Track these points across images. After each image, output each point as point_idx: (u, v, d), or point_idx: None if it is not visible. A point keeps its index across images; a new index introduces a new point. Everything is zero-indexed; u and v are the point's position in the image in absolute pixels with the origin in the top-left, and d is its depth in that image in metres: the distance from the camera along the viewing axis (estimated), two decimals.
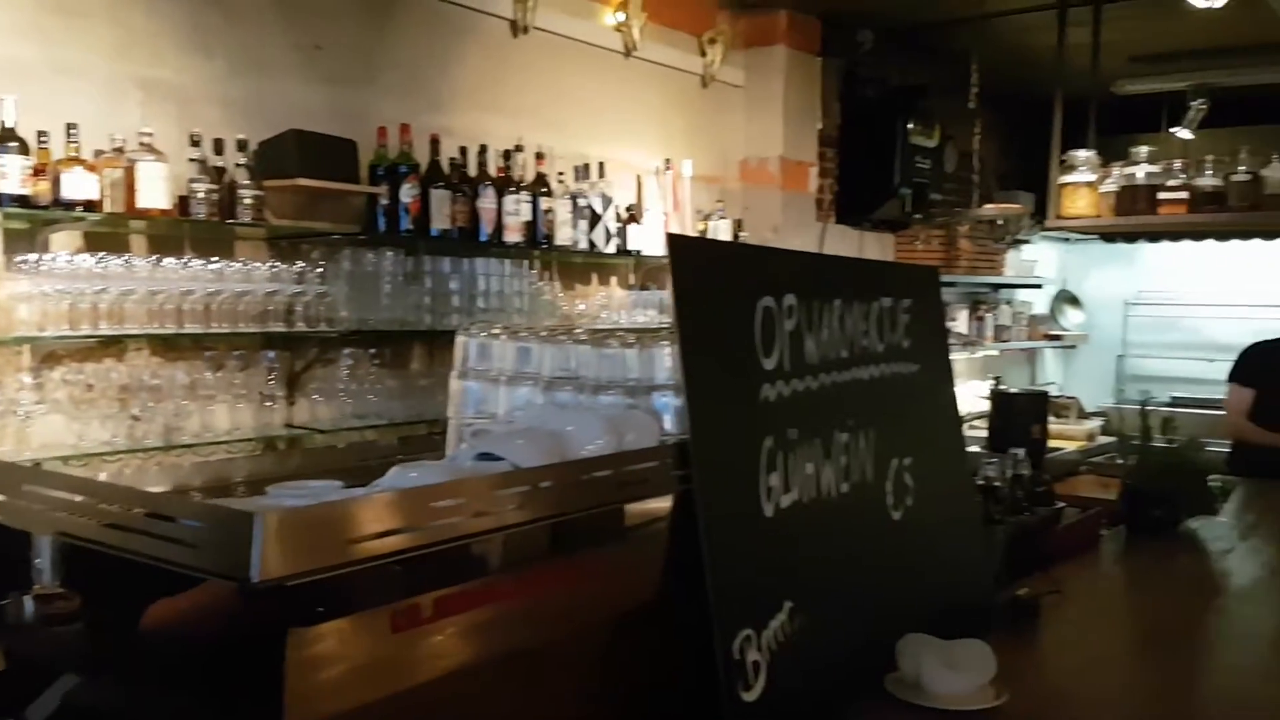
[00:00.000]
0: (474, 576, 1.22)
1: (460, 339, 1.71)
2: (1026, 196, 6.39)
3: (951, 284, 6.51)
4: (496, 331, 1.66)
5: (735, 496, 1.56)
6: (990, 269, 6.90)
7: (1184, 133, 5.92)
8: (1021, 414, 4.59)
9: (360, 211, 3.37)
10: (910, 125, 5.21)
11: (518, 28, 3.90)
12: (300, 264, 3.18)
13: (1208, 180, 4.45)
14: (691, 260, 1.59)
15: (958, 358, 6.70)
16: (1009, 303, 7.06)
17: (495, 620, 1.22)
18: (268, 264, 3.11)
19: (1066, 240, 7.36)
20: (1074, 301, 7.97)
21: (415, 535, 1.05)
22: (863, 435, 1.91)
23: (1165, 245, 6.52)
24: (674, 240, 1.54)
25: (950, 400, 2.31)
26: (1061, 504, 2.90)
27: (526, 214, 3.68)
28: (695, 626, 1.44)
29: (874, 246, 5.68)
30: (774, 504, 1.63)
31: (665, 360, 1.55)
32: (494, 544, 1.23)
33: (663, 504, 1.52)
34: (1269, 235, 5.79)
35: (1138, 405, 3.97)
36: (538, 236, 3.73)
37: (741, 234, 4.59)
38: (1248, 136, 5.09)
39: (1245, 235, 5.86)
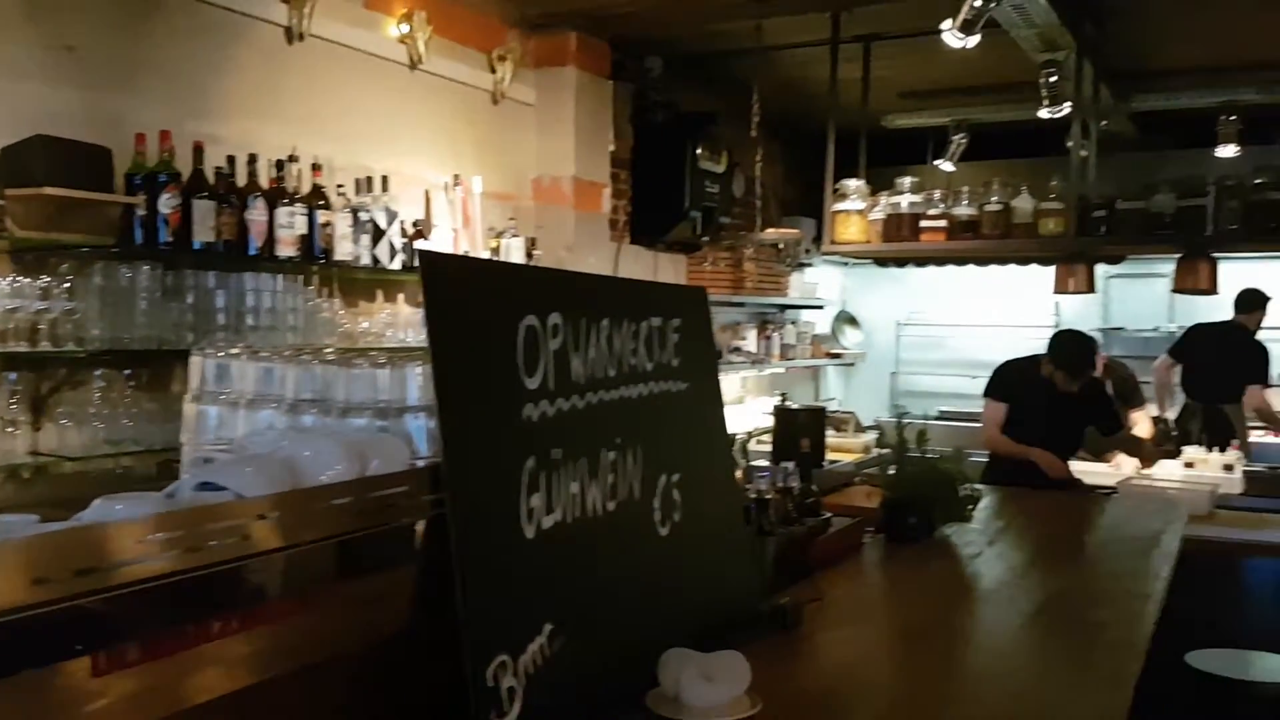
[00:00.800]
0: (196, 612, 1.14)
1: (195, 359, 1.61)
2: (809, 222, 6.71)
3: (741, 304, 6.76)
4: (236, 351, 1.57)
5: (492, 519, 1.54)
6: (776, 290, 7.21)
7: (946, 165, 6.38)
8: (802, 428, 4.82)
9: (116, 223, 3.14)
10: (699, 151, 5.37)
11: (293, 34, 3.76)
12: (46, 279, 2.94)
13: (964, 210, 4.80)
14: (448, 278, 1.56)
15: (748, 375, 6.95)
16: (794, 322, 7.38)
17: (216, 658, 1.15)
18: (9, 278, 2.86)
19: (846, 264, 7.80)
20: (853, 321, 8.43)
21: (111, 574, 0.97)
22: (631, 453, 1.93)
23: (932, 269, 7.00)
24: (427, 257, 1.51)
25: (719, 417, 2.37)
26: (829, 514, 3.04)
27: (301, 227, 3.53)
28: (451, 654, 1.41)
29: (668, 267, 5.81)
30: (535, 525, 1.62)
31: (419, 380, 1.52)
32: (220, 578, 1.15)
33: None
34: (1022, 261, 6.33)
35: (904, 419, 4.23)
36: (315, 250, 3.59)
37: (535, 252, 4.58)
38: (1001, 169, 5.55)
39: (1001, 261, 6.38)
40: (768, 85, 5.49)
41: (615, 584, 1.82)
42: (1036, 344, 5.17)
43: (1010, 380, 4.70)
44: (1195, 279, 4.41)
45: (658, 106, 5.35)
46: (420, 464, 1.48)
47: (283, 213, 3.45)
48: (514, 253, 4.36)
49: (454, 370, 1.50)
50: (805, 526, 2.86)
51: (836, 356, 8.01)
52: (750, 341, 6.67)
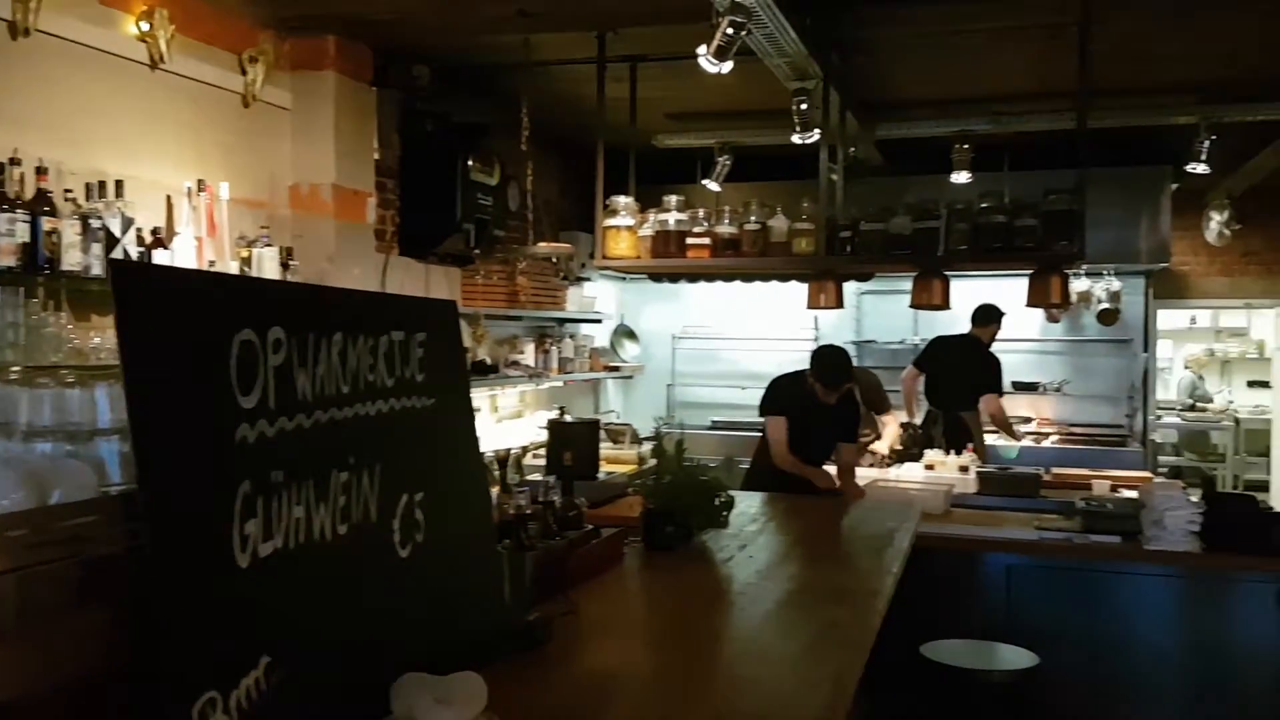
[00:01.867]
0: None
1: None
2: (586, 237, 6.79)
3: (518, 318, 6.74)
4: None
5: (200, 549, 1.45)
6: (554, 304, 7.25)
7: (713, 185, 6.61)
8: (576, 441, 4.84)
9: None
10: (471, 162, 5.31)
11: (17, 29, 3.44)
12: None
13: (726, 228, 4.98)
14: (146, 291, 1.46)
15: (526, 389, 6.93)
16: (573, 336, 7.44)
17: None
18: None
19: (624, 279, 7.94)
20: (631, 335, 8.59)
21: None
22: (367, 473, 1.87)
23: (704, 285, 7.24)
24: (118, 267, 1.40)
25: (469, 433, 2.34)
26: (592, 527, 3.07)
27: (23, 234, 3.23)
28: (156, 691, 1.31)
29: (441, 280, 5.71)
30: (250, 553, 1.54)
31: (110, 401, 1.41)
32: None
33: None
34: (781, 278, 6.65)
35: (663, 430, 4.34)
36: (38, 260, 3.29)
37: (292, 263, 4.38)
38: (763, 190, 5.80)
39: (763, 278, 6.67)
40: (540, 99, 5.52)
41: (346, 611, 1.75)
42: (799, 356, 5.65)
43: (783, 395, 4.90)
44: (930, 295, 4.76)
45: (427, 116, 5.25)
46: (113, 491, 1.37)
47: (1, 220, 3.16)
48: (267, 263, 4.16)
49: (152, 390, 1.40)
50: (565, 540, 2.88)
51: (615, 370, 8.14)
52: (528, 355, 6.66)
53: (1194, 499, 4.13)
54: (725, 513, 3.37)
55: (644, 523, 3.20)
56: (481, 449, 3.61)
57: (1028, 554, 4.22)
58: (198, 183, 4.01)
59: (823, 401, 4.71)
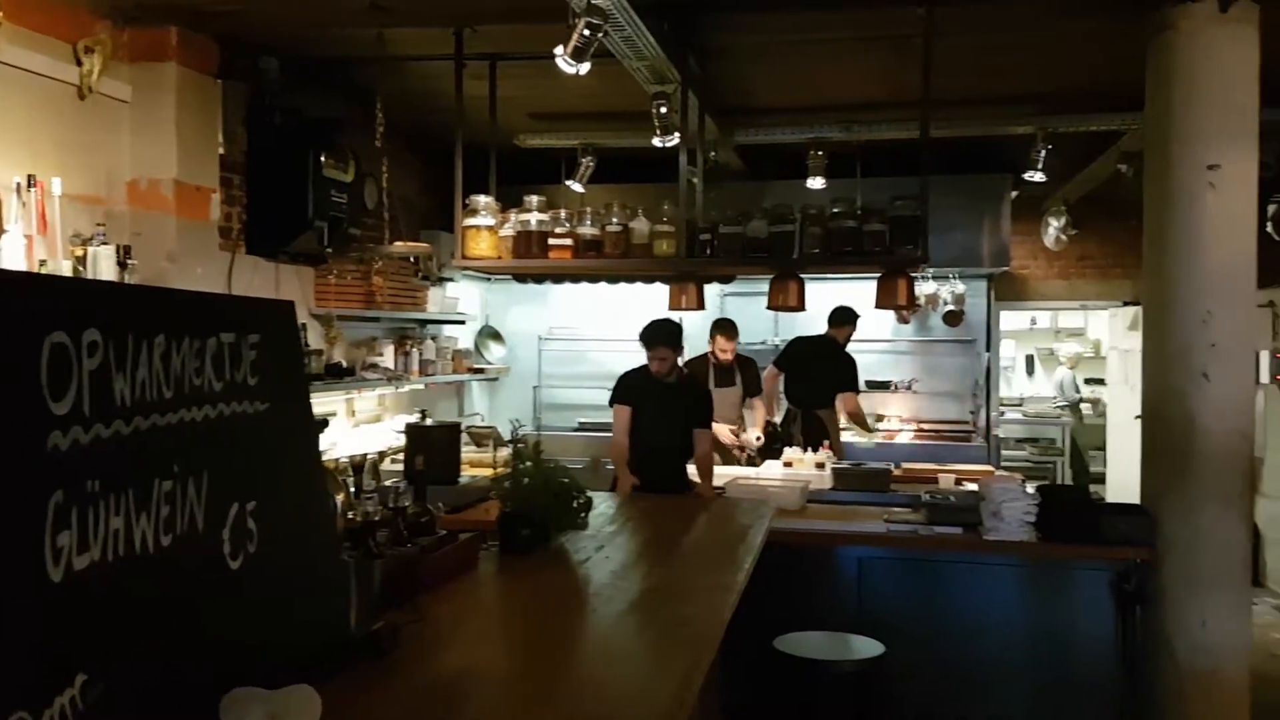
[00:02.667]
0: None
1: None
2: (449, 236, 6.69)
3: (375, 319, 6.59)
4: None
5: (7, 563, 1.36)
6: (414, 305, 7.12)
7: (576, 186, 6.62)
8: (436, 446, 4.77)
9: None
10: (323, 158, 5.15)
11: None
12: None
13: (588, 229, 4.99)
14: None
15: (385, 392, 6.78)
16: (434, 338, 7.32)
17: None
18: None
19: (488, 280, 7.87)
20: (496, 336, 8.52)
21: None
22: (193, 482, 1.79)
23: (569, 286, 7.24)
24: None
25: (308, 437, 2.27)
26: (445, 532, 3.02)
27: None
28: None
29: (291, 280, 5.53)
30: (64, 567, 1.45)
31: None
32: None
33: None
34: (646, 279, 6.70)
35: (519, 432, 4.32)
36: None
37: (130, 261, 4.17)
38: (626, 192, 5.84)
39: (628, 279, 6.71)
40: (398, 95, 5.41)
41: (170, 624, 1.67)
42: None
43: (629, 385, 5.17)
44: (786, 297, 4.88)
45: (276, 110, 5.08)
46: None
47: None
48: (103, 262, 3.95)
49: None
50: (417, 547, 2.82)
51: (479, 372, 8.05)
52: (387, 358, 6.53)
53: (1030, 491, 4.35)
54: (584, 514, 3.37)
55: (500, 526, 3.17)
56: (338, 454, 3.55)
57: (878, 546, 4.37)
58: (28, 178, 3.78)
59: (664, 383, 4.99)
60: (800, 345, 7.06)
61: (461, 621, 2.53)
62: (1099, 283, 8.75)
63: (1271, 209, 8.34)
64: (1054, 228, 7.90)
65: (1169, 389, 4.10)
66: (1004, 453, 9.95)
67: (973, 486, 4.91)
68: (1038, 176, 6.31)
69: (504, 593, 2.89)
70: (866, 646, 3.74)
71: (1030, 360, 12.56)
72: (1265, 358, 7.54)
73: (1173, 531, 4.05)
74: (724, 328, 6.52)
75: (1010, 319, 10.26)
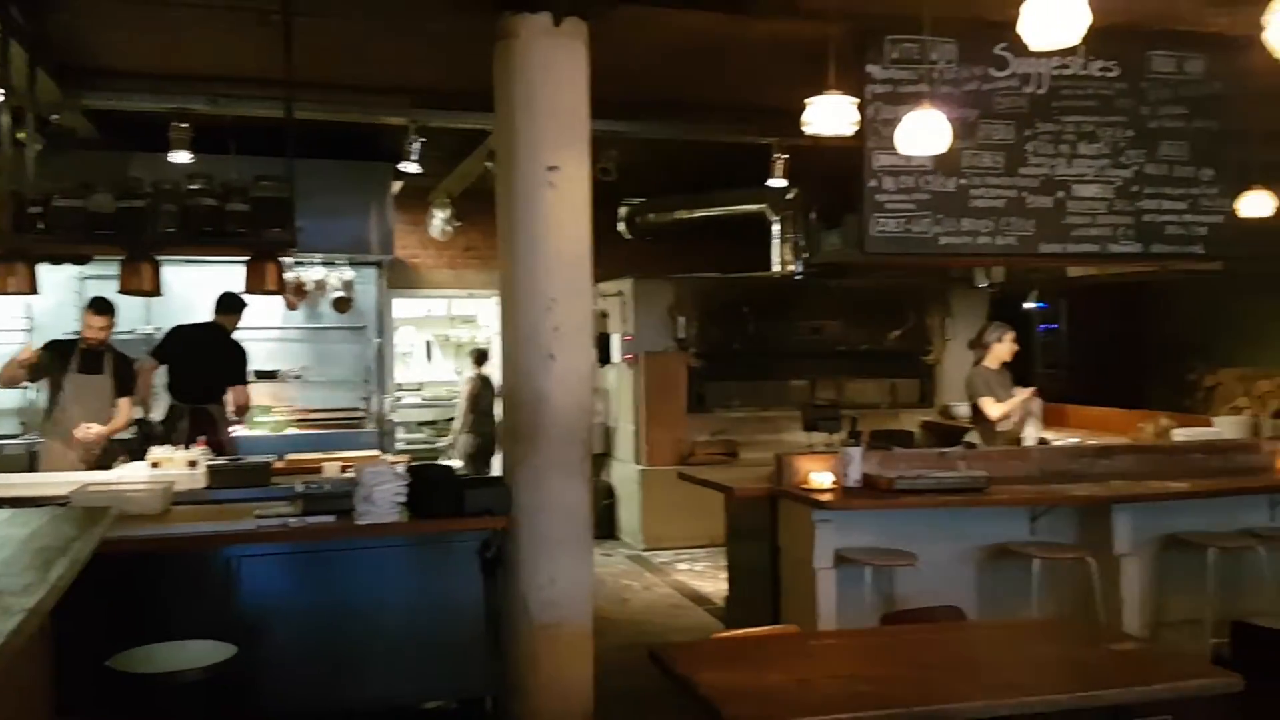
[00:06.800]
0: None
1: None
2: None
3: None
4: None
5: None
6: None
7: None
8: None
9: None
10: None
11: None
12: None
13: None
14: None
15: None
16: None
17: None
18: None
19: None
20: None
21: None
22: None
23: None
24: None
25: None
26: None
27: None
28: None
29: None
30: None
31: None
32: None
33: None
34: None
35: None
36: None
37: None
38: None
39: None
40: None
41: None
42: (10, 349, 5.81)
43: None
44: (139, 280, 4.43)
45: None
46: None
47: None
48: None
49: None
50: None
51: None
52: None
53: (400, 472, 4.45)
54: None
55: None
56: None
57: (248, 544, 4.17)
58: None
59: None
60: (183, 335, 6.48)
61: None
62: (483, 272, 9.36)
63: (623, 210, 9.62)
64: (439, 219, 8.26)
65: (522, 369, 4.47)
66: (406, 436, 10.25)
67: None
68: (413, 168, 6.51)
69: None
70: (218, 651, 3.53)
71: (428, 346, 13.05)
72: (616, 340, 8.66)
73: (526, 499, 4.42)
74: (94, 303, 5.81)
75: (408, 306, 10.53)
